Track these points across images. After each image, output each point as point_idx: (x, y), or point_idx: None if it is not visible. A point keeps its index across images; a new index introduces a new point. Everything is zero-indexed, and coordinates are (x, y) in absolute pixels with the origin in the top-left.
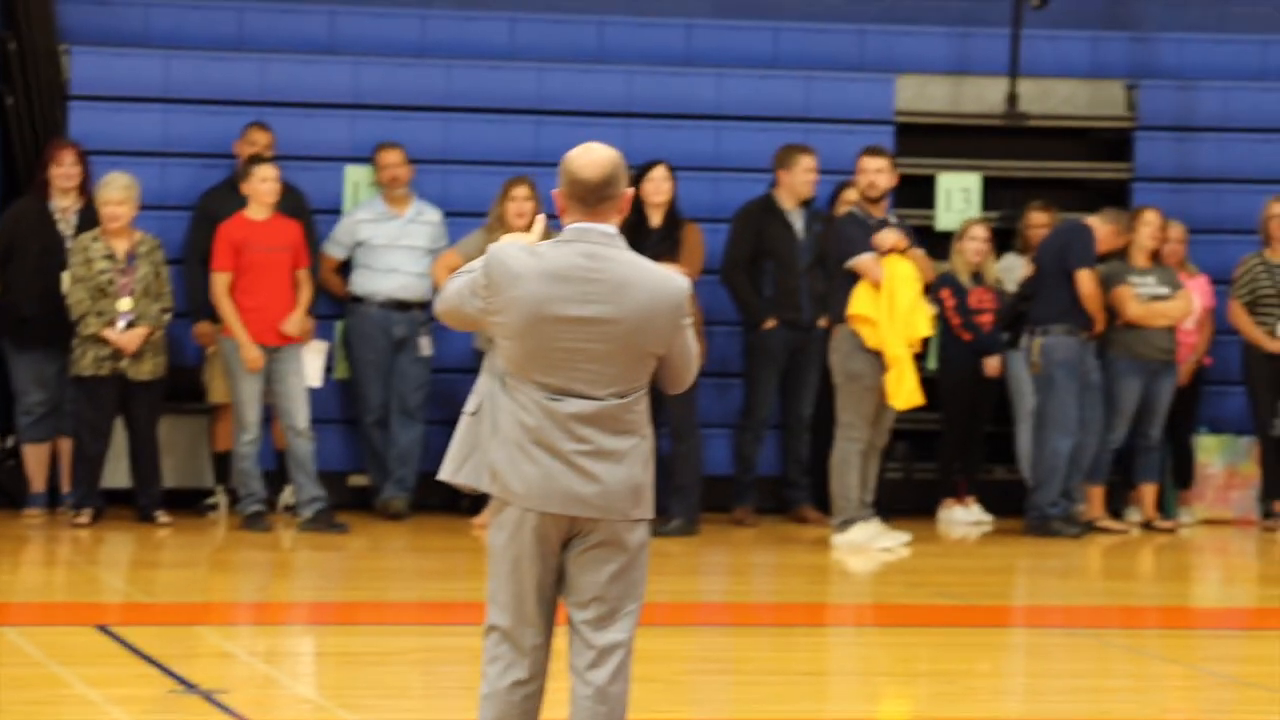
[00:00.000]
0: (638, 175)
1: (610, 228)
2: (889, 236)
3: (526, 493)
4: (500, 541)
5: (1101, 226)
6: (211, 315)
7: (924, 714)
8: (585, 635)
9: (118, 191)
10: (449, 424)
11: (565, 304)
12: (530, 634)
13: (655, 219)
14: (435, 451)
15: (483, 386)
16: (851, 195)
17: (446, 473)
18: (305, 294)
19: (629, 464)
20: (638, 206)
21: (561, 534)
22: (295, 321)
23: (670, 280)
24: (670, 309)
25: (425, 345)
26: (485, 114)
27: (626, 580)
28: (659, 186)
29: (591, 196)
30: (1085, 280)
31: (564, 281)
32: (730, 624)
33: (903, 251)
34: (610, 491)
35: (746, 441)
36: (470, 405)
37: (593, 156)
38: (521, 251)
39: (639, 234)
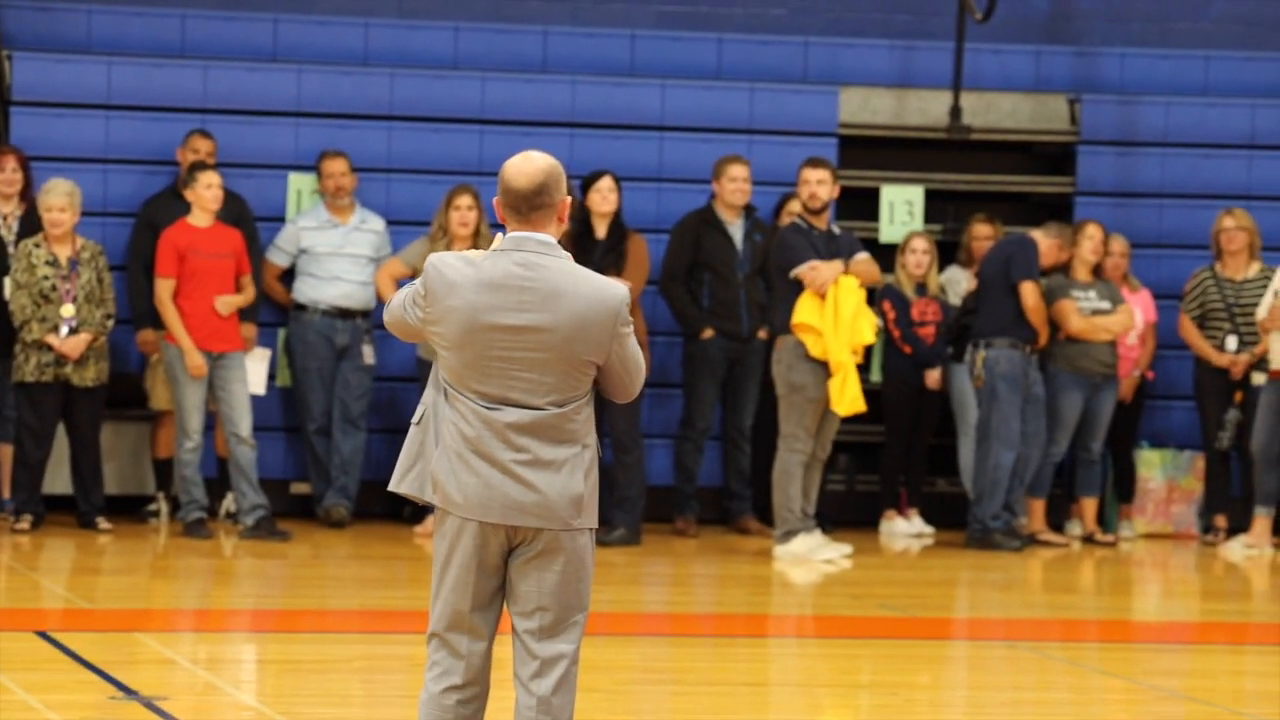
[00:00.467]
0: (584, 185)
1: (547, 236)
2: (825, 274)
3: (465, 502)
4: (442, 550)
5: (1044, 240)
6: (154, 322)
7: None
8: (529, 645)
9: (60, 198)
10: (391, 432)
11: (500, 313)
12: (466, 641)
13: (601, 230)
14: (377, 460)
15: (428, 397)
16: (795, 207)
17: (392, 482)
18: (247, 296)
19: (568, 473)
20: (584, 217)
21: (503, 543)
22: (229, 302)
23: (606, 289)
24: (605, 318)
25: (368, 353)
26: (429, 123)
27: (570, 590)
28: (605, 197)
29: (525, 205)
30: (1028, 292)
31: (498, 290)
32: (672, 634)
33: (844, 272)
34: (549, 501)
35: (687, 452)
36: (416, 415)
37: (526, 165)
38: (459, 261)
39: (585, 244)
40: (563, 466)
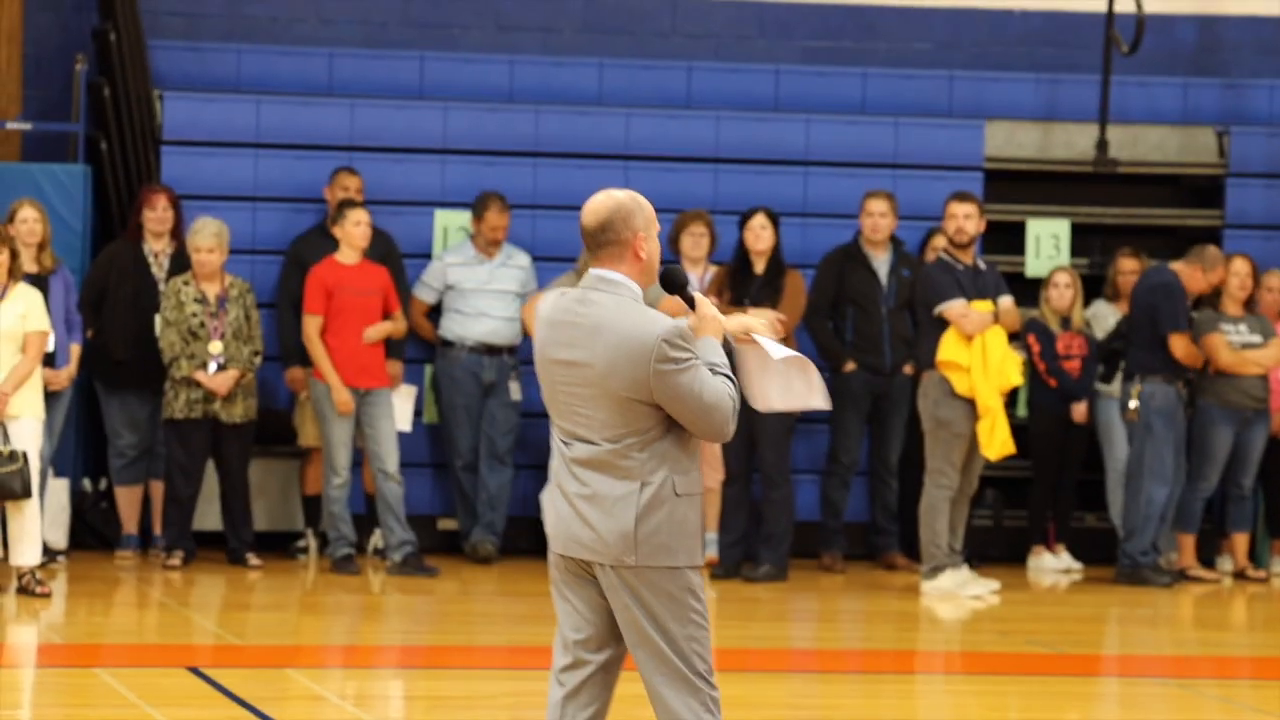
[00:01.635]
0: (740, 221)
1: (611, 273)
2: (976, 324)
3: (550, 533)
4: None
5: (1185, 270)
6: (303, 359)
7: None
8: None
9: (208, 239)
10: (538, 468)
11: (557, 348)
12: (562, 660)
13: (759, 266)
14: (524, 495)
15: None
16: (940, 241)
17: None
18: (399, 326)
19: (620, 510)
20: (742, 253)
21: (586, 574)
22: (379, 329)
23: (644, 326)
24: (639, 354)
25: (515, 390)
26: (574, 159)
27: (646, 628)
28: (758, 234)
29: (592, 241)
30: (1178, 345)
31: (556, 326)
32: (819, 671)
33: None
34: (600, 536)
35: (833, 486)
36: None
37: (594, 203)
38: (550, 294)
39: (742, 279)
40: (615, 504)
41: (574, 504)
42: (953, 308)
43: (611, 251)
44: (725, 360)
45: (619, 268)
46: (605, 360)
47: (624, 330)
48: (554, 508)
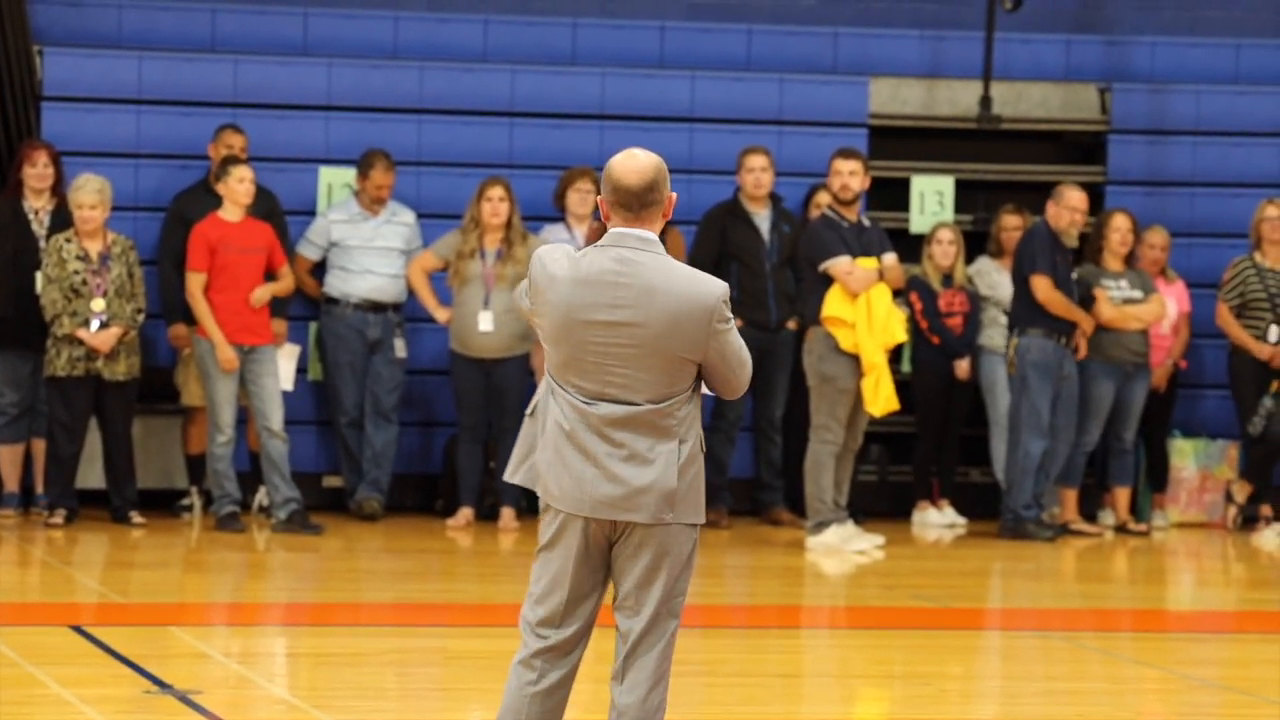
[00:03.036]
0: None
1: (648, 233)
2: (861, 281)
3: (561, 495)
4: (542, 541)
5: (1050, 213)
6: (186, 316)
7: (898, 716)
8: (621, 640)
9: (90, 195)
10: (424, 425)
11: (595, 309)
12: (554, 632)
13: None
14: (409, 453)
15: (542, 388)
16: (824, 198)
17: (507, 473)
18: (285, 284)
19: (662, 468)
20: None
21: (602, 537)
22: (267, 289)
23: (702, 286)
24: (700, 315)
25: (400, 347)
26: (459, 115)
27: (661, 584)
28: None
29: (636, 202)
30: (1039, 286)
31: (593, 287)
32: (704, 626)
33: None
34: (638, 494)
35: (719, 443)
36: (530, 406)
37: (636, 163)
38: (562, 255)
39: None
40: (657, 461)
41: (604, 465)
42: (838, 264)
43: (653, 212)
44: None
45: (653, 227)
46: (664, 321)
47: (682, 292)
48: (568, 471)
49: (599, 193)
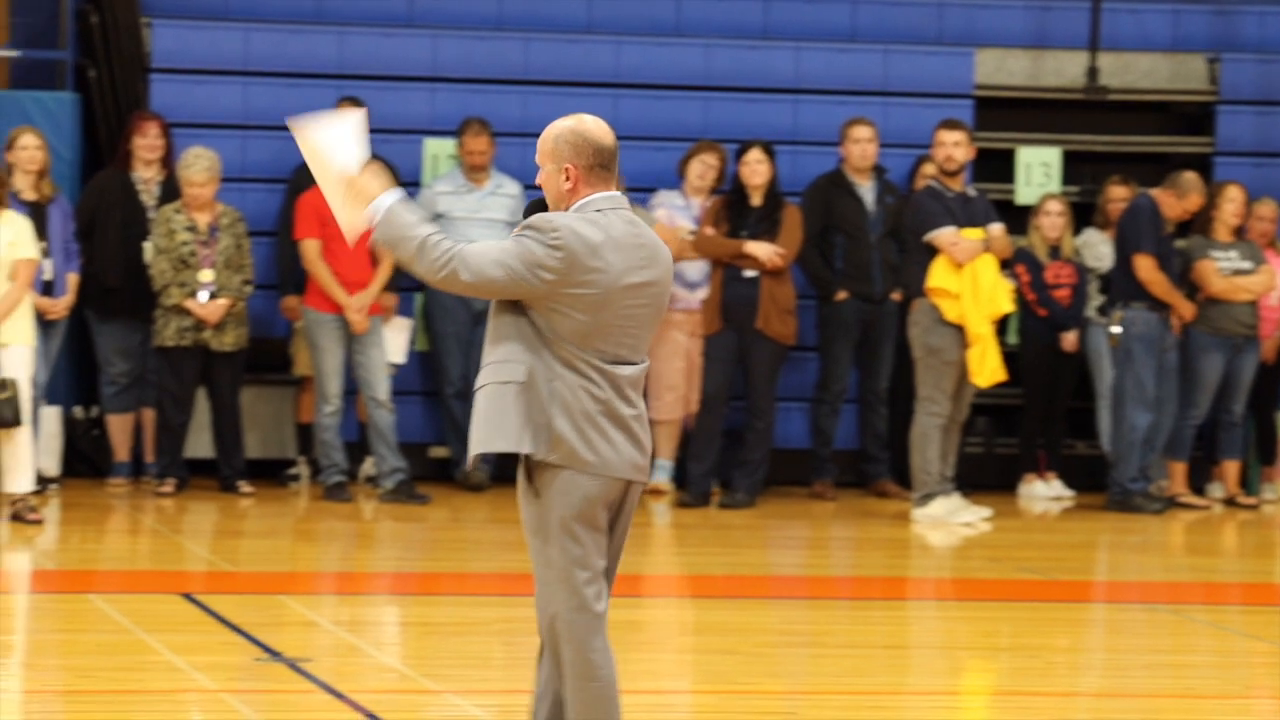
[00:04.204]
0: (736, 154)
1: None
2: (967, 252)
3: (601, 462)
4: (560, 510)
5: (1161, 196)
6: (298, 288)
7: (1004, 688)
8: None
9: (200, 173)
10: None
11: (633, 272)
12: (599, 591)
13: (755, 199)
14: None
15: (524, 357)
16: (930, 169)
17: (502, 444)
18: (385, 266)
19: (647, 426)
20: (738, 185)
21: (616, 500)
22: (370, 295)
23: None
24: (672, 269)
25: None
26: (563, 87)
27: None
28: (754, 169)
29: (613, 162)
30: (1141, 265)
31: (626, 250)
32: (810, 597)
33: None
34: (647, 454)
35: (823, 415)
36: (519, 375)
37: (604, 125)
38: (585, 224)
39: (740, 213)
40: (646, 420)
41: (631, 427)
42: (943, 235)
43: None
44: None
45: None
46: (668, 276)
47: (665, 248)
48: (604, 437)
49: (721, 165)
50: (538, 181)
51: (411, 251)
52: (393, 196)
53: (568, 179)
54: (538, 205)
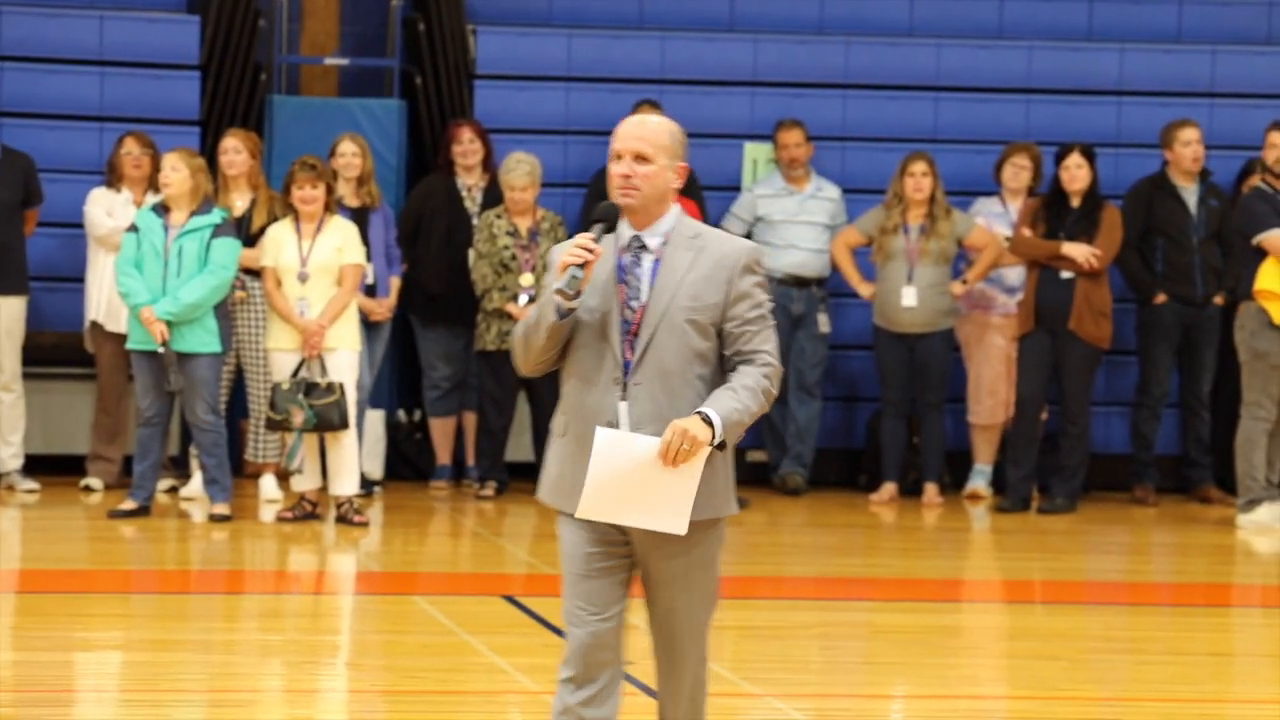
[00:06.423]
0: (1056, 158)
1: None
2: None
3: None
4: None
5: None
6: None
7: None
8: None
9: (522, 179)
10: (847, 400)
11: None
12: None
13: (1075, 200)
14: (832, 428)
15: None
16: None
17: (734, 506)
18: None
19: None
20: (1058, 187)
21: None
22: None
23: None
24: None
25: (824, 322)
26: (883, 90)
27: None
28: (1074, 174)
29: None
30: None
31: None
32: (1133, 603)
33: None
34: None
35: (1144, 419)
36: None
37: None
38: None
39: (1058, 214)
40: None
41: None
42: (1272, 237)
43: None
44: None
45: None
46: None
47: None
48: None
49: (1035, 166)
50: (641, 174)
51: (757, 411)
52: (708, 413)
53: (677, 177)
54: (610, 209)
